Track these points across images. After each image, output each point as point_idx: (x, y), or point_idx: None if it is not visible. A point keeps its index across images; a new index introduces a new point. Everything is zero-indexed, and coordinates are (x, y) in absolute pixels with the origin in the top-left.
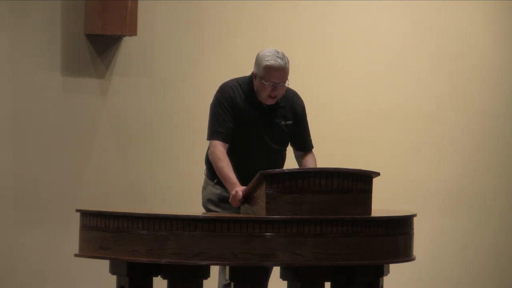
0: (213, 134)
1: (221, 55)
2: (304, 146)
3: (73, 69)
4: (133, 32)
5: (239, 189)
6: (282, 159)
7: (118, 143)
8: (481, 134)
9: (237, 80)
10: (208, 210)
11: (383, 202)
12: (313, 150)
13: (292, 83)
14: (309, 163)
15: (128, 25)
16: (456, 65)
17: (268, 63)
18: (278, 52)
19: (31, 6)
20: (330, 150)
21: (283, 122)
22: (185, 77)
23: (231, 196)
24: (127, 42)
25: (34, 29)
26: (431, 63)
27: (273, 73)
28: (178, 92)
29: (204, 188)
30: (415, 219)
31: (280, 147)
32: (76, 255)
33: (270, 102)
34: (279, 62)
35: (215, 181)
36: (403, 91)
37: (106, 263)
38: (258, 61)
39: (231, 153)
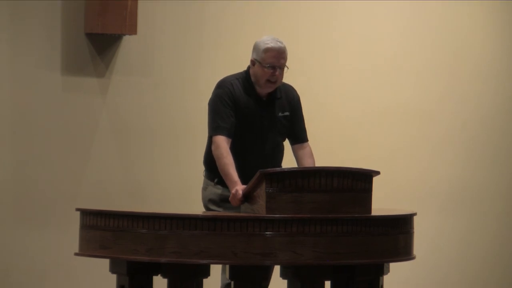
0: (216, 130)
1: (222, 54)
2: (300, 137)
3: (73, 68)
4: (133, 31)
5: (239, 188)
6: (281, 152)
7: (118, 143)
8: (480, 133)
9: (234, 76)
10: (209, 210)
11: (383, 201)
12: (313, 149)
13: (293, 82)
14: (307, 158)
15: (128, 24)
16: (455, 64)
17: (268, 46)
18: (277, 38)
19: (31, 6)
20: (330, 149)
21: (281, 114)
22: (185, 76)
23: (231, 195)
24: (127, 41)
25: (34, 28)
26: (430, 62)
27: (273, 54)
28: (178, 91)
29: (204, 189)
30: (414, 218)
31: (280, 140)
32: (76, 254)
33: (269, 88)
34: (279, 44)
35: (216, 180)
36: (402, 90)
37: (106, 262)
38: (257, 47)
39: (232, 147)
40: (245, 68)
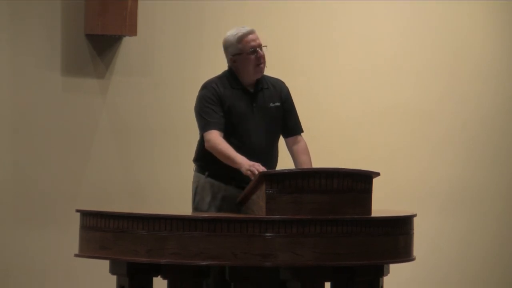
0: (206, 126)
1: (222, 54)
2: (293, 129)
3: (73, 69)
4: (133, 32)
5: (251, 164)
6: (277, 147)
7: (118, 143)
8: (480, 133)
9: (217, 77)
10: (201, 200)
11: (383, 202)
12: (313, 149)
13: (293, 81)
14: (302, 155)
15: (128, 25)
16: (455, 64)
17: (238, 35)
18: (238, 27)
19: (31, 6)
20: (330, 149)
21: (272, 104)
22: (185, 77)
23: (249, 173)
24: (127, 42)
25: (34, 29)
26: (430, 62)
27: (249, 38)
28: (178, 92)
29: (196, 182)
30: (414, 218)
31: (274, 133)
32: (76, 255)
33: (260, 72)
34: (246, 28)
35: (207, 174)
36: (402, 90)
37: (106, 263)
38: (228, 43)
39: (229, 143)
40: None
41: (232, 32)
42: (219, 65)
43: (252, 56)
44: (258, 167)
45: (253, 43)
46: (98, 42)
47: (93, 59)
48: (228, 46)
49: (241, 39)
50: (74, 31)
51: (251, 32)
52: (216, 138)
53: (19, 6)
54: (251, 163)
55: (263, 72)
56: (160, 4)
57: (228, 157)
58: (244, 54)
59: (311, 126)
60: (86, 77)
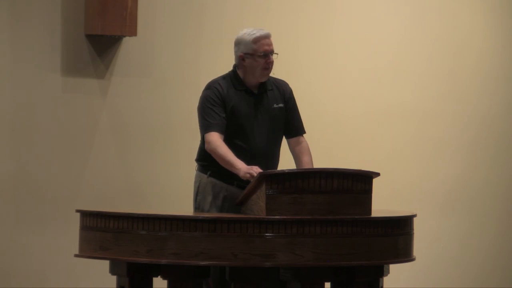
0: (207, 128)
1: (221, 55)
2: (296, 129)
3: (73, 70)
4: (133, 32)
5: (248, 168)
6: (279, 148)
7: (118, 143)
8: (480, 133)
9: (221, 76)
10: (202, 200)
11: (383, 202)
12: (313, 149)
13: (292, 82)
14: (304, 155)
15: (128, 25)
16: (454, 64)
17: (255, 35)
18: (256, 27)
19: (31, 7)
20: (330, 150)
21: (275, 105)
22: (185, 77)
23: (248, 176)
24: (127, 42)
25: (34, 29)
26: (430, 62)
27: (264, 42)
28: (178, 92)
29: (197, 182)
30: (414, 218)
31: (277, 134)
32: (76, 256)
33: (266, 76)
34: (265, 31)
35: (208, 173)
36: (402, 90)
37: (106, 263)
38: (242, 41)
39: (232, 144)
40: None
41: (249, 31)
42: (219, 65)
43: (261, 60)
44: (257, 170)
45: (266, 47)
46: (98, 42)
47: (93, 60)
48: (240, 43)
49: (257, 40)
50: (74, 31)
51: (267, 36)
52: (216, 140)
53: (19, 6)
54: (249, 167)
55: (268, 77)
56: (160, 4)
57: (227, 162)
58: (255, 55)
59: (311, 126)
60: (86, 78)
